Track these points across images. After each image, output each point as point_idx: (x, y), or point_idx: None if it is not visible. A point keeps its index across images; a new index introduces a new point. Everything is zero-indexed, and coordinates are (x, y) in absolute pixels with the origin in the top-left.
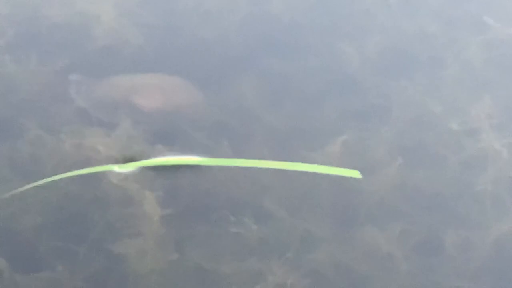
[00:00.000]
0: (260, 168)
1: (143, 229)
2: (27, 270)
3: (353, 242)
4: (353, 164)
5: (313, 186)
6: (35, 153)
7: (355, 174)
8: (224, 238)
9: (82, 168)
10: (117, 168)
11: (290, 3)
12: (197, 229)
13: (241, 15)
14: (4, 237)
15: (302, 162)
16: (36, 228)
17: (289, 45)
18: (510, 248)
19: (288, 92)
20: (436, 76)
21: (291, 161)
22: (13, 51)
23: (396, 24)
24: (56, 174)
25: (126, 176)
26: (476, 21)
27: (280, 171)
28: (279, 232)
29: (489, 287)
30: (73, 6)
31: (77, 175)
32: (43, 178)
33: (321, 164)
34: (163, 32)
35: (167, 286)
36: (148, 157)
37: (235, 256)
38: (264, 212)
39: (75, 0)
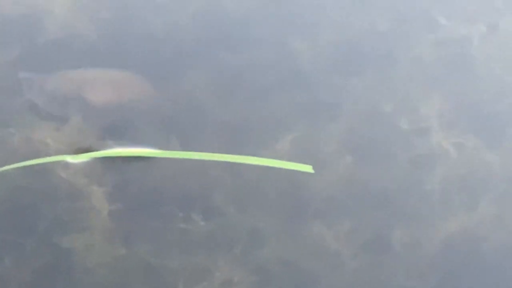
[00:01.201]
0: (209, 164)
1: (91, 223)
2: None
3: (301, 239)
4: (302, 161)
5: (261, 182)
6: None
7: (308, 168)
8: (172, 234)
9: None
10: (67, 159)
11: None
12: (145, 224)
13: (192, 9)
14: None
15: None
16: None
17: (240, 40)
18: (458, 247)
19: (238, 87)
20: (386, 74)
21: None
22: None
23: (347, 21)
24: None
25: (75, 171)
26: (428, 19)
27: (229, 166)
28: (226, 228)
29: (436, 286)
30: None
31: (26, 168)
32: None
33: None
34: (115, 26)
35: (114, 281)
36: (98, 150)
37: (183, 252)
38: (212, 208)
39: None
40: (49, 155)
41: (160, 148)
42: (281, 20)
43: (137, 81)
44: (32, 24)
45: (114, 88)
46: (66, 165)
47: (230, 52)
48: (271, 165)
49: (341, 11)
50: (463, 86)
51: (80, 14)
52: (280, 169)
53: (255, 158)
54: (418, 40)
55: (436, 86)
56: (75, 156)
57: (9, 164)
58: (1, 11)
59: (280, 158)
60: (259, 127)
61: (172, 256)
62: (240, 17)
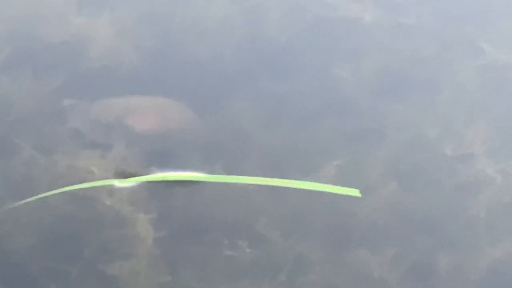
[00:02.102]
0: (254, 190)
1: (136, 250)
2: None
3: (346, 265)
4: (347, 185)
5: (306, 209)
6: (28, 173)
7: (355, 192)
8: (217, 261)
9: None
10: (113, 183)
11: (286, 24)
12: (190, 251)
13: (236, 35)
14: None
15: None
16: (29, 248)
17: (284, 66)
18: (502, 273)
19: (282, 113)
20: (431, 100)
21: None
22: (9, 70)
23: (392, 46)
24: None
25: (120, 198)
26: (471, 45)
27: (273, 193)
28: (272, 254)
29: None
30: (69, 25)
31: (71, 195)
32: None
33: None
34: (158, 52)
35: None
36: (142, 175)
37: (228, 279)
38: (258, 235)
39: (71, 20)
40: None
41: (204, 173)
42: (324, 46)
43: (180, 108)
44: (76, 51)
45: (158, 115)
46: (110, 192)
47: (274, 78)
48: (317, 189)
49: (385, 37)
50: (507, 113)
51: (123, 41)
52: (324, 195)
53: (301, 182)
54: (462, 66)
55: (480, 113)
56: (120, 180)
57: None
58: (46, 38)
59: (325, 184)
60: (303, 154)
61: (218, 282)
62: (283, 44)
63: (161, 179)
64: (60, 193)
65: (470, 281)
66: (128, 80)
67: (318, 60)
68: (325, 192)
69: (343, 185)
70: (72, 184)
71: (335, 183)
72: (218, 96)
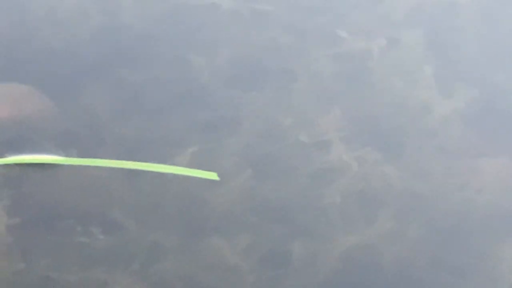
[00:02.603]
0: (108, 177)
1: None
2: None
3: (200, 253)
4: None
5: (161, 197)
6: None
7: (213, 176)
8: (71, 248)
9: None
10: None
11: (141, 13)
12: (44, 238)
13: (92, 24)
14: None
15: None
16: None
17: (140, 56)
18: (357, 261)
19: (139, 102)
20: (286, 88)
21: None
22: None
23: (247, 36)
24: None
25: None
26: (327, 33)
27: (128, 181)
28: (125, 242)
29: None
30: None
31: None
32: None
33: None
34: (14, 41)
35: None
36: None
37: (82, 266)
38: (111, 222)
39: None
40: None
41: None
42: (180, 36)
43: (36, 95)
44: None
45: (12, 103)
46: None
47: (130, 68)
48: (175, 172)
49: (241, 26)
50: (363, 100)
51: None
52: (179, 183)
53: (159, 165)
54: (318, 54)
55: (336, 100)
56: None
57: None
58: None
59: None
60: (158, 142)
61: (72, 270)
62: (139, 33)
63: (13, 162)
64: None
65: (324, 269)
66: None
67: (174, 49)
68: (180, 180)
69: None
70: None
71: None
72: (75, 84)
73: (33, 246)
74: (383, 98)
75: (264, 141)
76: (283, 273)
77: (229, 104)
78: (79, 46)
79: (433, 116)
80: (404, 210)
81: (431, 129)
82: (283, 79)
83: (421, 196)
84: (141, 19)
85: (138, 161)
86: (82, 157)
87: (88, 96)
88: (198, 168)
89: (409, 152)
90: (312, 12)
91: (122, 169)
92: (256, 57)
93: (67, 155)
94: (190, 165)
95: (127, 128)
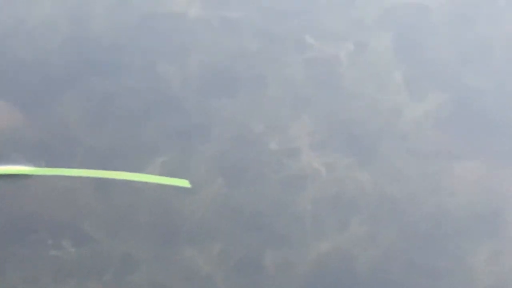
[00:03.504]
0: (79, 189)
1: None
2: None
3: (172, 263)
4: (173, 185)
5: (132, 207)
6: None
7: (185, 183)
8: (43, 261)
9: None
10: None
11: (110, 24)
12: (15, 251)
13: (62, 36)
14: None
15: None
16: None
17: (110, 65)
18: (330, 266)
19: (109, 112)
20: (257, 95)
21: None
22: None
23: (217, 43)
24: None
25: None
26: (297, 39)
27: (99, 192)
28: (97, 254)
29: None
30: None
31: None
32: None
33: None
34: None
35: None
36: None
37: (53, 279)
38: (82, 234)
39: None
40: None
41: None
42: (150, 45)
43: (6, 107)
44: None
45: None
46: None
47: (100, 78)
48: (147, 180)
49: (210, 34)
50: (334, 105)
51: None
52: (150, 193)
53: (131, 174)
54: (288, 60)
55: (306, 106)
56: None
57: None
58: None
59: (151, 183)
60: (129, 152)
61: (44, 283)
62: (109, 43)
63: None
64: None
65: (297, 275)
66: None
67: (144, 58)
68: (151, 190)
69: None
70: None
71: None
72: (44, 96)
73: (5, 260)
74: (354, 103)
75: (235, 148)
76: (257, 280)
77: (200, 112)
78: (48, 57)
79: (405, 120)
80: (377, 214)
81: (403, 132)
82: (254, 85)
83: (394, 200)
84: (110, 28)
85: (110, 170)
86: (53, 168)
87: (58, 107)
88: (170, 176)
89: (381, 156)
90: (281, 18)
91: (92, 181)
92: (227, 64)
93: (37, 167)
94: (162, 174)
95: (98, 138)
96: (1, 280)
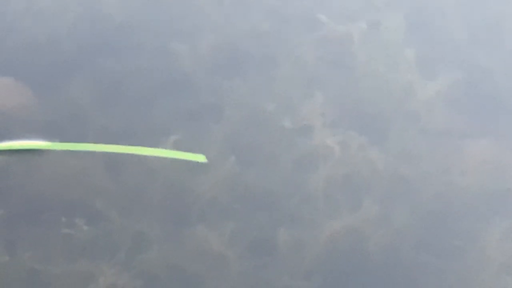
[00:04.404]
0: (92, 168)
1: None
2: None
3: (185, 242)
4: (186, 163)
5: (145, 186)
6: None
7: (201, 158)
8: (55, 239)
9: None
10: None
11: (121, 2)
12: (28, 230)
13: (72, 15)
14: None
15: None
16: None
17: (122, 45)
18: (342, 246)
19: (121, 92)
20: (269, 75)
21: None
22: None
23: (228, 22)
24: None
25: None
26: (308, 18)
27: (112, 171)
28: (110, 233)
29: (321, 285)
30: None
31: None
32: None
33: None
34: None
35: None
36: None
37: (66, 258)
38: (95, 213)
39: None
40: None
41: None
42: (161, 24)
43: (17, 87)
44: None
45: None
46: None
47: (112, 57)
48: (162, 155)
49: (222, 13)
50: (346, 85)
51: None
52: (163, 172)
53: (147, 148)
54: (299, 39)
55: (319, 85)
56: None
57: None
58: None
59: (163, 161)
60: (142, 131)
61: (56, 262)
62: (120, 22)
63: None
64: None
65: (309, 255)
66: None
67: (156, 38)
68: (164, 168)
69: (182, 161)
70: None
71: (174, 159)
72: (56, 75)
73: (18, 238)
74: (366, 82)
75: (247, 127)
76: (269, 260)
77: (212, 92)
78: (60, 37)
79: (417, 99)
80: (389, 194)
81: (414, 112)
82: (266, 65)
83: (406, 180)
84: (121, 8)
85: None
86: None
87: (70, 86)
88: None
89: (393, 135)
90: None
91: (105, 160)
92: (238, 44)
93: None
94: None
95: (110, 117)
96: (14, 259)
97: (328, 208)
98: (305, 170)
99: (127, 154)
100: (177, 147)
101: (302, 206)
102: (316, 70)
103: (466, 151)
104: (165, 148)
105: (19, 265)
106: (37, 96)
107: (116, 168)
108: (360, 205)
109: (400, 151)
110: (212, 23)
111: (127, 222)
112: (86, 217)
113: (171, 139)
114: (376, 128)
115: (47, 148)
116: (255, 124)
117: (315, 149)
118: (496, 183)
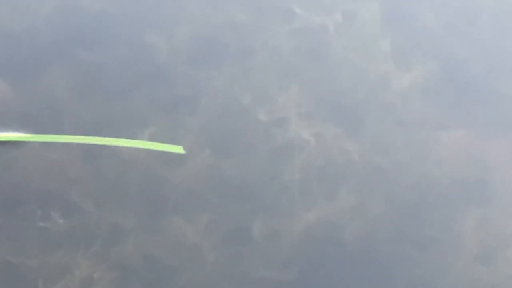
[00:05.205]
0: (68, 161)
1: None
2: None
3: (161, 234)
4: (162, 155)
5: (120, 178)
6: None
7: (179, 149)
8: (31, 232)
9: None
10: None
11: None
12: (4, 223)
13: (49, 6)
14: None
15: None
16: None
17: (98, 36)
18: (318, 236)
19: (97, 84)
20: (244, 66)
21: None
22: None
23: (204, 14)
24: None
25: None
26: (283, 10)
27: (87, 163)
28: (85, 225)
29: (297, 275)
30: None
31: None
32: None
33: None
34: None
35: None
36: None
37: (42, 251)
38: (71, 205)
39: None
40: None
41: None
42: (137, 16)
43: None
44: None
45: None
46: None
47: (88, 49)
48: (141, 146)
49: (197, 4)
50: (321, 76)
51: None
52: (139, 164)
53: (125, 140)
54: (275, 30)
55: (294, 76)
56: None
57: None
58: None
59: (139, 153)
60: (117, 123)
61: (32, 254)
62: (96, 13)
63: None
64: None
65: (285, 245)
66: None
67: (131, 29)
68: (139, 160)
69: (158, 153)
70: None
71: (149, 151)
72: (32, 67)
73: None
74: (341, 73)
75: (223, 119)
76: (245, 251)
77: (188, 83)
78: (36, 28)
79: (392, 90)
80: (365, 184)
81: (390, 102)
82: (242, 56)
83: (382, 170)
84: (97, 0)
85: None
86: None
87: (46, 78)
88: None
89: (369, 126)
90: None
91: (81, 152)
92: (214, 36)
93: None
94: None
95: (86, 109)
96: None
97: (304, 198)
98: (281, 161)
99: (104, 146)
100: (153, 138)
101: (278, 196)
102: (292, 61)
103: (442, 142)
104: (142, 139)
105: None
106: (12, 88)
107: (93, 160)
108: (336, 195)
109: (375, 141)
110: (188, 14)
111: (103, 214)
112: (62, 209)
113: (147, 130)
114: (351, 119)
115: (23, 140)
116: (231, 115)
117: (291, 140)
118: (471, 173)
